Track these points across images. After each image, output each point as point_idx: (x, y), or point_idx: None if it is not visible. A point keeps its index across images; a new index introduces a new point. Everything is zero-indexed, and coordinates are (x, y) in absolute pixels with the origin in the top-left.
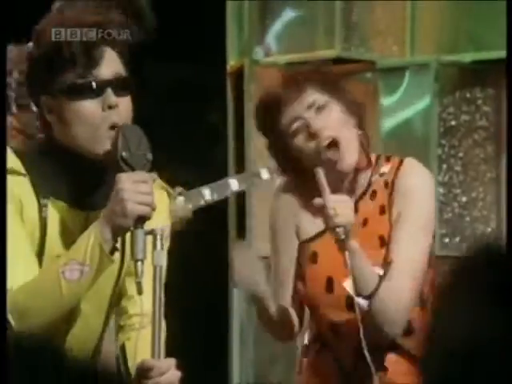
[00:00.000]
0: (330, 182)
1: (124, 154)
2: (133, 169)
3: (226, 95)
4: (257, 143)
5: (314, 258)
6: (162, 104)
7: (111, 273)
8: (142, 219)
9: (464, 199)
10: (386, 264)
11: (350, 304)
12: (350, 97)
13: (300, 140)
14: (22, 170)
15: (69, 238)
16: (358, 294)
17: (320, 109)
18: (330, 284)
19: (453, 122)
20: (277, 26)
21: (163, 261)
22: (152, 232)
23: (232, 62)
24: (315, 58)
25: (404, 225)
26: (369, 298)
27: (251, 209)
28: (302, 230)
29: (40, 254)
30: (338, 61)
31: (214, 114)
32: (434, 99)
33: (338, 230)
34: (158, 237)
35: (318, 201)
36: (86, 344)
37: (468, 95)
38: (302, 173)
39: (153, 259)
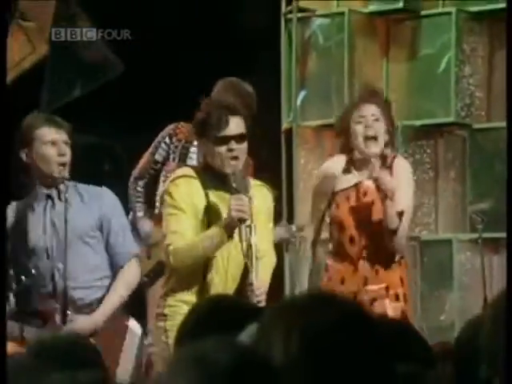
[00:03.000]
0: (367, 160)
1: (234, 185)
2: (238, 192)
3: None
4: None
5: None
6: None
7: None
8: (241, 220)
9: None
10: (400, 211)
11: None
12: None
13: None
14: (194, 175)
15: (217, 218)
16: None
17: (376, 119)
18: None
19: None
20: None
21: (255, 241)
22: (249, 226)
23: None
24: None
25: (405, 190)
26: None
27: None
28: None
29: (201, 225)
30: None
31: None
32: None
33: None
34: (253, 227)
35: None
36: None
37: None
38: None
39: (250, 240)
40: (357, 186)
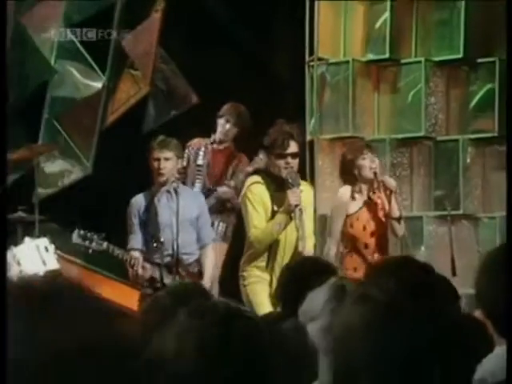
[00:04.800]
0: (366, 183)
1: (290, 181)
2: (293, 186)
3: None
4: None
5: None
6: None
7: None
8: (296, 205)
9: None
10: (399, 217)
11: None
12: None
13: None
14: (261, 181)
15: (278, 207)
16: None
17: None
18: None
19: None
20: None
21: (304, 218)
22: (300, 208)
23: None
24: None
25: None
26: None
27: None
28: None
29: (271, 217)
30: None
31: None
32: None
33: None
34: (303, 209)
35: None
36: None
37: None
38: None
39: (301, 218)
40: (361, 209)
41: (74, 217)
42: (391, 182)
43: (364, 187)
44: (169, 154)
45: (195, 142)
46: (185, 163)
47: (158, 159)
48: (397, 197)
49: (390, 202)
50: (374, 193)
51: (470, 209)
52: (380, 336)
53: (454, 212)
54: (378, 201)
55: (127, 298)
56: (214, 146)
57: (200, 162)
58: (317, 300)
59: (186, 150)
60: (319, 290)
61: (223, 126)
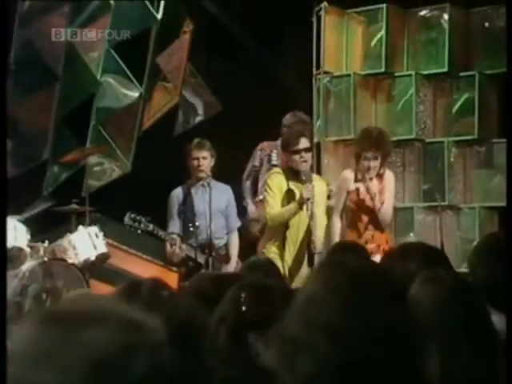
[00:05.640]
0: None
1: (304, 178)
2: (306, 182)
3: None
4: None
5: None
6: None
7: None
8: (308, 199)
9: None
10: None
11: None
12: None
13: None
14: (281, 172)
15: (293, 197)
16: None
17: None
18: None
19: None
20: None
21: (315, 210)
22: (312, 202)
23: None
24: None
25: (389, 189)
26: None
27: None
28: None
29: (286, 201)
30: None
31: None
32: None
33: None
34: (314, 202)
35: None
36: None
37: None
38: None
39: (312, 210)
40: (358, 189)
41: (117, 208)
42: (390, 176)
43: (366, 174)
44: (205, 153)
45: (265, 145)
46: (257, 163)
47: (197, 158)
48: (391, 189)
49: (383, 192)
50: (371, 179)
51: (453, 200)
52: (449, 311)
53: (442, 203)
54: (375, 187)
55: (162, 276)
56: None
57: (274, 162)
58: None
59: (259, 152)
60: None
61: None
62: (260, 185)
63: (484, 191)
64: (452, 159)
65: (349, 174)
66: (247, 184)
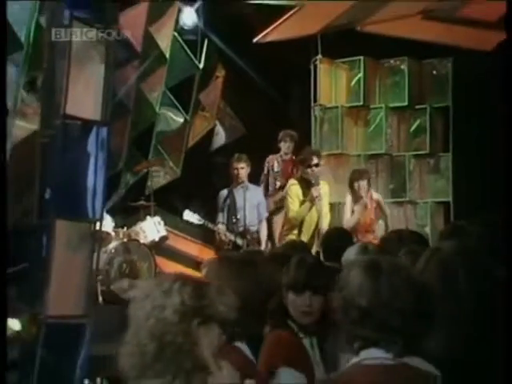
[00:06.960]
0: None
1: (313, 181)
2: (315, 185)
3: None
4: None
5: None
6: None
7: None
8: (317, 197)
9: None
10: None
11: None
12: None
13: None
14: (297, 183)
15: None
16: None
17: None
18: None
19: None
20: None
21: (322, 206)
22: (320, 199)
23: None
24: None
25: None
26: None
27: None
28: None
29: (302, 203)
30: None
31: None
32: None
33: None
34: (322, 200)
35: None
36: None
37: None
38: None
39: (320, 206)
40: (358, 210)
41: (171, 203)
42: (377, 196)
43: (360, 196)
44: (243, 164)
45: (271, 157)
46: (265, 172)
47: (237, 168)
48: (381, 201)
49: (378, 207)
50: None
51: (412, 197)
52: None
53: (405, 199)
54: (369, 205)
55: (209, 255)
56: (283, 157)
57: (276, 169)
58: (349, 253)
59: (266, 164)
60: (352, 248)
61: (285, 145)
62: (271, 188)
63: (433, 190)
64: (411, 168)
65: (349, 201)
66: (261, 187)
